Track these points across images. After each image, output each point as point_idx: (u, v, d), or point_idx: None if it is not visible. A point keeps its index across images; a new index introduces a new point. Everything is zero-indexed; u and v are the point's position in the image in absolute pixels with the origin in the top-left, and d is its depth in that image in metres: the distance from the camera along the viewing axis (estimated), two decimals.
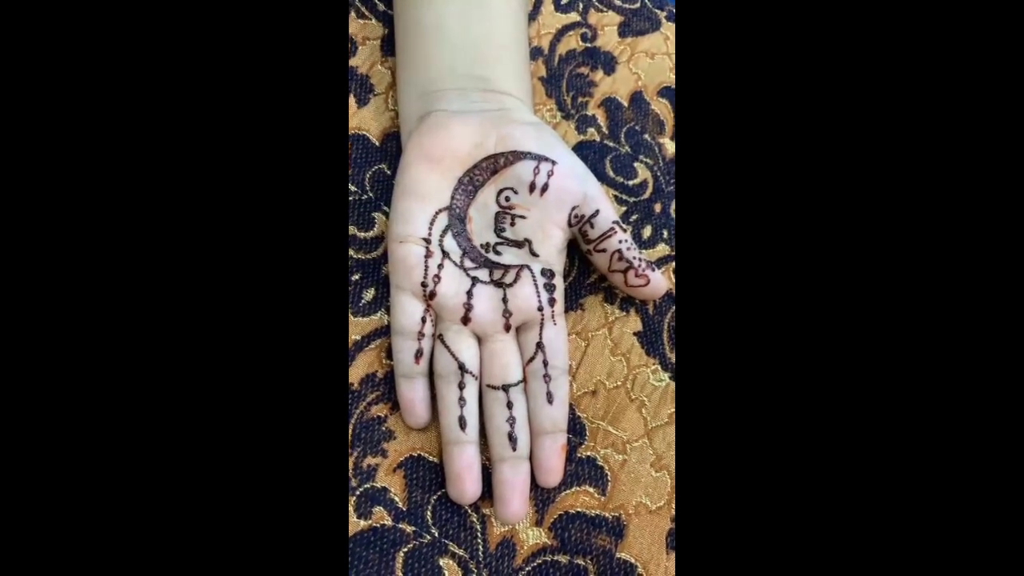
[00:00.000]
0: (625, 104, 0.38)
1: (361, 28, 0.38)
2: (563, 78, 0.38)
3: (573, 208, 0.31)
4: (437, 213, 0.31)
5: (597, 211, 0.31)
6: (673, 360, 0.33)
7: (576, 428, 0.32)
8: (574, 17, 0.39)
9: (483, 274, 0.31)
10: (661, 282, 0.32)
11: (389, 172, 0.35)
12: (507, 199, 0.32)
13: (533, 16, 0.39)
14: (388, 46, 0.37)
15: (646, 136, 0.37)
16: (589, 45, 0.39)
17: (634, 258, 0.32)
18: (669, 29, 0.39)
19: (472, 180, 0.32)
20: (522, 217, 0.32)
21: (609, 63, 0.38)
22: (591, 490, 0.31)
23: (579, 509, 0.31)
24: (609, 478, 0.31)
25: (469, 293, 0.31)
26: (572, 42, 0.39)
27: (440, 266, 0.31)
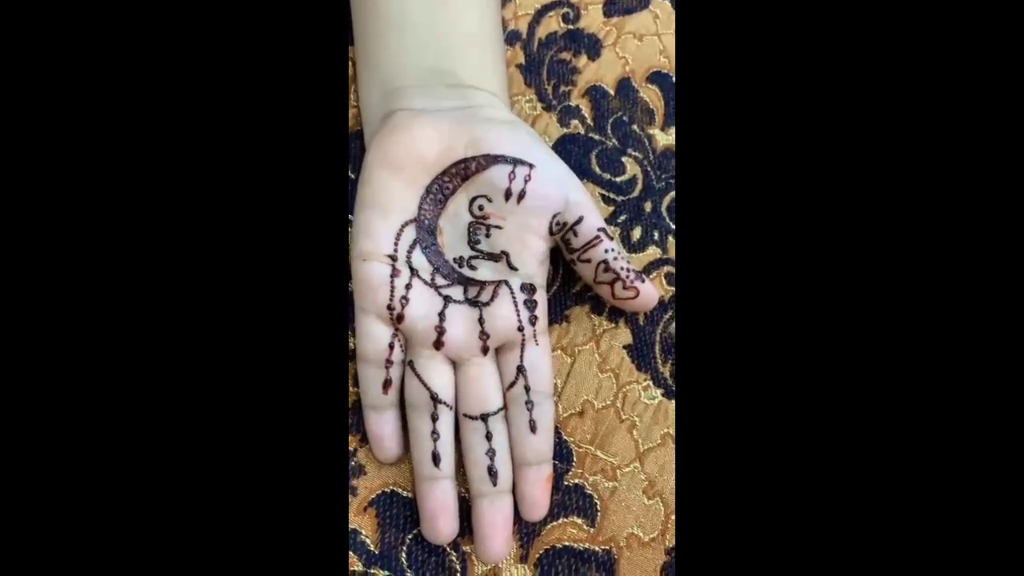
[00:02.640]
0: (611, 92, 0.34)
1: None
2: (543, 65, 0.35)
3: (554, 215, 0.29)
4: (403, 226, 0.28)
5: (581, 218, 0.29)
6: (666, 375, 0.30)
7: (562, 453, 0.29)
8: None
9: (456, 292, 0.29)
10: (652, 293, 0.29)
11: (353, 176, 0.32)
12: (481, 208, 0.29)
13: None
14: (347, 34, 0.34)
15: (634, 127, 0.34)
16: (571, 27, 0.35)
17: (621, 268, 0.29)
18: (659, 7, 0.36)
19: (441, 188, 0.29)
20: (498, 227, 0.29)
21: (594, 47, 0.35)
22: (579, 521, 0.29)
23: (566, 543, 0.28)
24: (598, 508, 0.29)
25: (441, 315, 0.28)
26: (553, 24, 0.35)
27: (408, 286, 0.28)
